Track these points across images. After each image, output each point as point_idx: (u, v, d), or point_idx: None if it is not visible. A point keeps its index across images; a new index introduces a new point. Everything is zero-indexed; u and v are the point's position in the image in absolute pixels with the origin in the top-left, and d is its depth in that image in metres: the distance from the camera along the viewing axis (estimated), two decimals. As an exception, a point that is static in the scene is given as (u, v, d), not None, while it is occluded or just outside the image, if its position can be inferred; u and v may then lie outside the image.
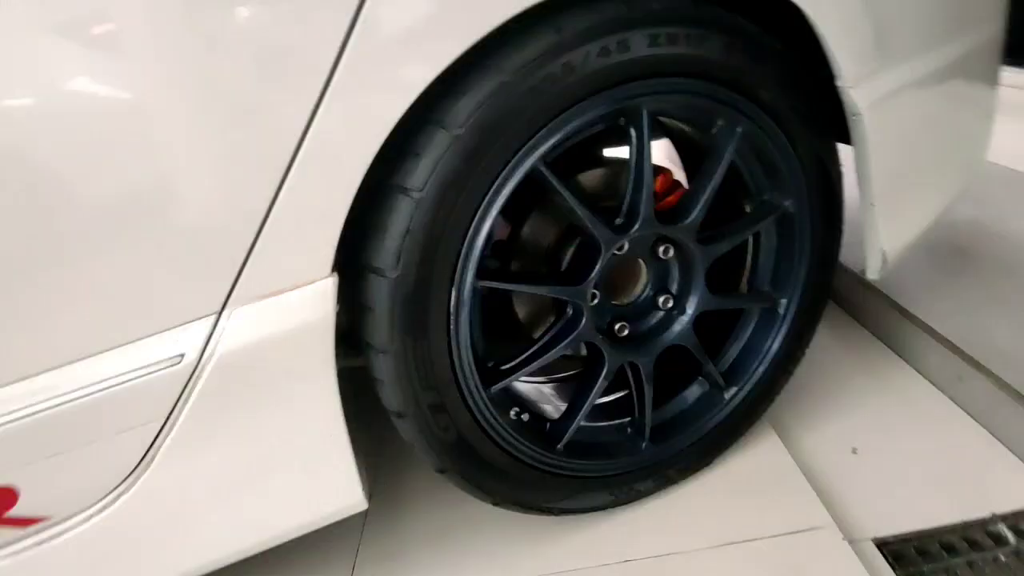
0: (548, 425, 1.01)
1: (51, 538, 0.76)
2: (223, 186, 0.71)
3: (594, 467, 1.01)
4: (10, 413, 0.70)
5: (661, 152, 1.15)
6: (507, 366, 0.93)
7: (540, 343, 0.93)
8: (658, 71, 0.83)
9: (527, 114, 0.78)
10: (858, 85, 0.97)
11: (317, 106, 0.69)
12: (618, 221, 0.92)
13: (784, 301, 1.06)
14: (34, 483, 0.73)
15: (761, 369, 1.08)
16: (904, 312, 1.36)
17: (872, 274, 1.11)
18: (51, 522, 0.76)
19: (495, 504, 0.98)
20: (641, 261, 1.00)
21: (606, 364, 0.96)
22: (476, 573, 1.01)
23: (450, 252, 0.80)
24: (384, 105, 0.72)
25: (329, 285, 0.77)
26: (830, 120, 0.99)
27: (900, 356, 1.38)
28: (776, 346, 1.08)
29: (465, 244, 0.80)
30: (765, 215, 1.01)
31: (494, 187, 0.80)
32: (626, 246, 0.93)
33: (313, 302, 0.76)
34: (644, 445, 1.03)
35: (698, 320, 1.04)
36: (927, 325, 1.30)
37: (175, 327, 0.73)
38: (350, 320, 0.86)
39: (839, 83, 0.96)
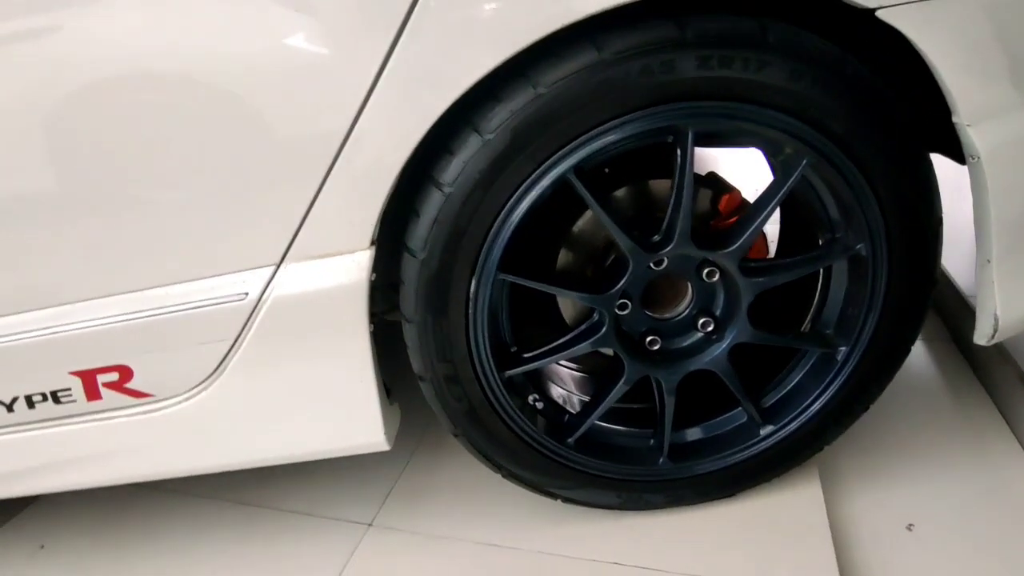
0: (566, 417, 1.05)
1: (154, 410, 1.00)
2: (289, 159, 0.85)
3: (604, 468, 1.04)
4: (132, 312, 0.93)
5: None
6: (528, 355, 0.99)
7: (560, 341, 0.98)
8: (708, 94, 0.80)
9: (559, 126, 0.81)
10: (978, 124, 0.85)
11: (371, 90, 0.79)
12: (655, 237, 0.92)
13: (844, 350, 0.98)
14: (144, 367, 0.97)
15: (805, 415, 1.01)
16: (1030, 387, 1.16)
17: (980, 339, 0.99)
18: (155, 399, 1.00)
19: (503, 477, 1.06)
20: (688, 280, 0.99)
21: (625, 373, 0.98)
22: (482, 527, 1.11)
23: (473, 244, 0.87)
24: (424, 103, 0.80)
25: (366, 256, 0.88)
26: (923, 161, 0.87)
27: (1013, 432, 1.18)
28: (828, 395, 1.00)
29: (488, 238, 0.87)
30: (830, 255, 0.93)
31: (520, 190, 0.84)
32: (665, 263, 0.93)
33: (350, 268, 0.88)
34: (661, 460, 1.04)
35: (749, 348, 1.00)
36: (1053, 409, 1.10)
37: (245, 270, 0.90)
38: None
39: (955, 119, 0.85)
